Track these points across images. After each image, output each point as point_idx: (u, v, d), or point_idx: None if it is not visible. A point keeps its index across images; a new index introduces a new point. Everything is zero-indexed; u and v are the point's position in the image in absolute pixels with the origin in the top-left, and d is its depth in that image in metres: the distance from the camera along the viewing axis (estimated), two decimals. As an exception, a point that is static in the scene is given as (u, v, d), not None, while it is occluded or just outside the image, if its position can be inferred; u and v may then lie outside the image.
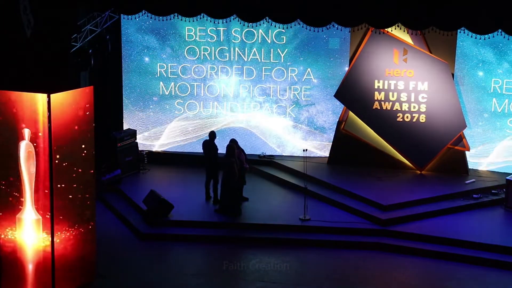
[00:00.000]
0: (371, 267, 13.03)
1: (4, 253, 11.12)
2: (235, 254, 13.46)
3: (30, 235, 11.01)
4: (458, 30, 15.66)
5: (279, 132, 18.17)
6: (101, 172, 16.19)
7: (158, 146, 18.33)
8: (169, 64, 18.02)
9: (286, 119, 18.10)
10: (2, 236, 11.07)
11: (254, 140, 18.19)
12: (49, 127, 10.64)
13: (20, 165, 10.78)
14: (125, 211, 15.13)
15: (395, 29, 16.18)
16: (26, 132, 10.71)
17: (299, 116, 18.04)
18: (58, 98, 10.71)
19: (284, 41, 17.68)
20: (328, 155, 17.76)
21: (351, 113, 17.36)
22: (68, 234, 11.23)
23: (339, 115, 17.62)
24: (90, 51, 16.24)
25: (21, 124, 10.67)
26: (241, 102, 18.12)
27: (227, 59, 17.93)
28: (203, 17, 16.01)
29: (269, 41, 17.73)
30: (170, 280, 12.33)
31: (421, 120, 16.92)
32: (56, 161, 10.78)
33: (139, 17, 16.86)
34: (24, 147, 10.74)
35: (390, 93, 17.03)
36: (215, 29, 17.67)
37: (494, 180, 16.28)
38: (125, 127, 18.17)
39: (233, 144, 14.88)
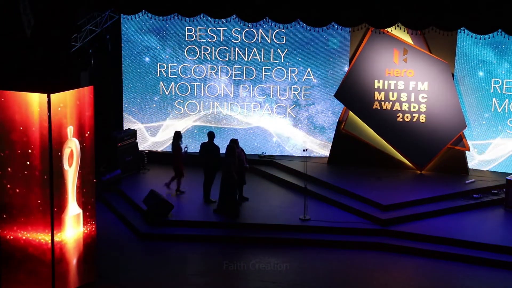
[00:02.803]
0: (371, 267, 13.03)
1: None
2: (235, 254, 13.47)
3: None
4: (458, 30, 15.66)
5: (279, 132, 18.17)
6: (100, 172, 16.19)
7: (158, 146, 18.33)
8: (169, 64, 18.03)
9: (286, 119, 18.11)
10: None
11: (254, 140, 18.20)
12: (49, 127, 10.66)
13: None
14: (125, 211, 15.14)
15: (395, 29, 16.18)
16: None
17: (299, 116, 18.05)
18: (58, 98, 10.73)
19: (284, 41, 17.68)
20: (328, 155, 17.77)
21: (351, 113, 17.36)
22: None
23: (339, 115, 17.62)
24: (90, 51, 16.23)
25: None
26: (241, 102, 18.13)
27: (227, 59, 17.93)
28: (203, 17, 16.01)
29: (269, 41, 17.74)
30: (170, 280, 12.33)
31: (421, 120, 16.92)
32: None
33: (139, 17, 16.86)
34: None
35: (390, 93, 17.03)
36: (215, 29, 17.68)
37: (494, 180, 16.28)
38: (125, 127, 18.18)
39: (233, 144, 14.88)
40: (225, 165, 14.61)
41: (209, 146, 15.43)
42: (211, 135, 15.52)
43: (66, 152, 10.97)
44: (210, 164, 15.35)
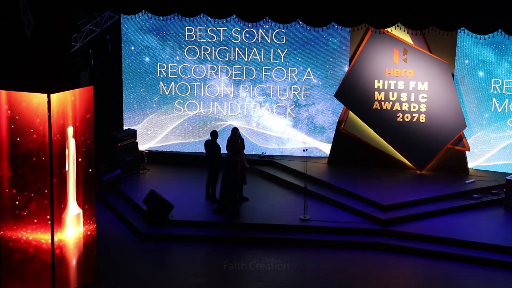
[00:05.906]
0: (371, 267, 13.03)
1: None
2: (235, 254, 13.47)
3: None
4: (458, 30, 15.66)
5: (279, 132, 18.17)
6: (100, 172, 16.20)
7: (157, 146, 18.33)
8: (169, 64, 18.02)
9: (286, 119, 18.11)
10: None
11: (254, 140, 18.20)
12: (49, 127, 10.67)
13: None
14: (125, 211, 15.14)
15: (395, 29, 16.18)
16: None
17: (299, 116, 18.05)
18: (58, 98, 10.74)
19: (284, 41, 17.68)
20: (328, 155, 17.77)
21: (351, 113, 17.36)
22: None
23: (339, 115, 17.62)
24: (90, 51, 16.22)
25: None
26: (241, 102, 18.13)
27: (227, 59, 17.93)
28: (203, 17, 16.01)
29: (269, 41, 17.74)
30: (170, 280, 12.34)
31: (421, 120, 16.92)
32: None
33: (139, 17, 16.86)
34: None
35: (390, 93, 17.03)
36: (215, 29, 17.68)
37: (494, 180, 16.28)
38: (125, 127, 18.17)
39: (238, 144, 14.82)
40: (229, 165, 14.52)
41: (212, 145, 15.43)
42: (214, 134, 15.48)
43: (66, 152, 10.98)
44: (214, 161, 15.33)
